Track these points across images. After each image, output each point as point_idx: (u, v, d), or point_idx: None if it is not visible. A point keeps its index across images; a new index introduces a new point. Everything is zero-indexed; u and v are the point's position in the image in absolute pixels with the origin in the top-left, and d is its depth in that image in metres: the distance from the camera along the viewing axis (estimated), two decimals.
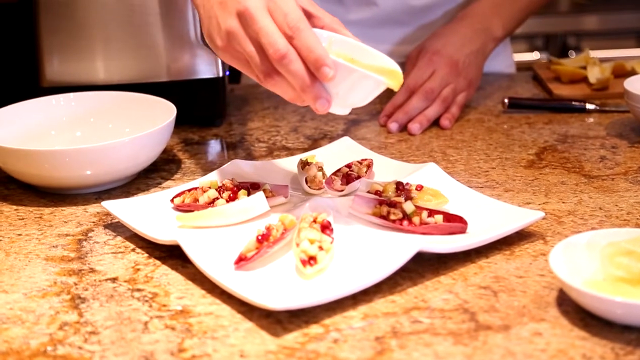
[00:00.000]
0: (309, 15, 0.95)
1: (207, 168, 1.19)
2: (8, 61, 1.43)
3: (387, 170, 1.12)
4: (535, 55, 2.74)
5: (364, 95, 0.95)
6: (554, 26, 2.74)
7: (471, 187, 1.08)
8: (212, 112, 1.37)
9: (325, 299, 0.82)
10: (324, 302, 0.82)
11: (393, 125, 1.32)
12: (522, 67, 1.71)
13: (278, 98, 1.47)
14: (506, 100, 1.39)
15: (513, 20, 1.45)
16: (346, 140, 1.20)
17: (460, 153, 1.23)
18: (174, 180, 1.17)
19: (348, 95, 0.94)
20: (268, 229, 0.92)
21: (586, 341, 0.78)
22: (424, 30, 1.49)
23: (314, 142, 1.29)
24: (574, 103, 1.39)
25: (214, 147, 1.29)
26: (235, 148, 1.28)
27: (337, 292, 0.83)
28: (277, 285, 0.86)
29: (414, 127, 1.31)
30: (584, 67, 1.51)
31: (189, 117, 1.35)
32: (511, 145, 1.25)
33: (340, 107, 0.96)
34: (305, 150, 1.24)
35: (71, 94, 1.25)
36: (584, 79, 1.49)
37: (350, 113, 1.38)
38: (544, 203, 1.06)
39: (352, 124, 1.36)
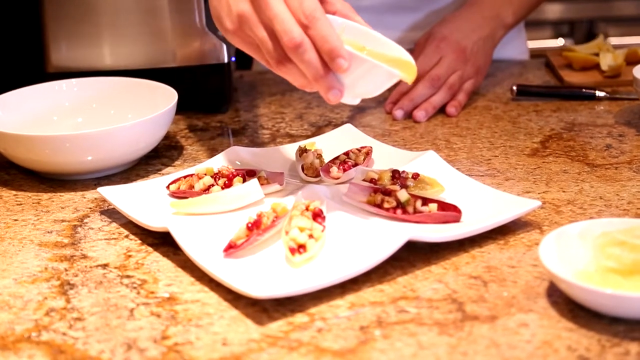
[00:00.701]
0: (320, 1, 0.93)
1: (209, 155, 1.19)
2: (15, 47, 1.43)
3: (386, 158, 1.11)
4: (560, 42, 2.71)
5: (376, 87, 0.93)
6: (581, 12, 2.70)
7: (471, 176, 1.07)
8: (218, 98, 1.36)
9: (310, 287, 0.82)
10: (308, 290, 0.82)
11: (398, 113, 1.30)
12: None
13: (286, 85, 1.47)
14: (514, 88, 1.37)
15: (524, 7, 1.43)
16: (348, 127, 1.19)
17: (464, 141, 1.21)
18: (174, 166, 1.17)
19: (360, 85, 0.92)
20: (259, 216, 0.91)
21: (573, 333, 0.77)
22: (434, 17, 1.47)
23: (318, 129, 1.28)
24: (583, 90, 1.37)
25: (218, 133, 1.28)
26: (238, 135, 1.28)
27: (323, 281, 0.83)
28: (265, 273, 0.86)
29: (419, 114, 1.29)
30: (597, 54, 1.48)
31: (195, 103, 1.35)
32: (516, 133, 1.24)
33: (351, 97, 0.94)
34: (308, 137, 1.24)
35: (73, 80, 1.26)
36: (596, 66, 1.46)
37: None
38: (543, 192, 1.04)
39: (357, 111, 1.35)
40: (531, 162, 1.13)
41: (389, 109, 1.33)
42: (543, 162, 1.13)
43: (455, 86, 1.32)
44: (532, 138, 1.22)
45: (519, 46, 1.61)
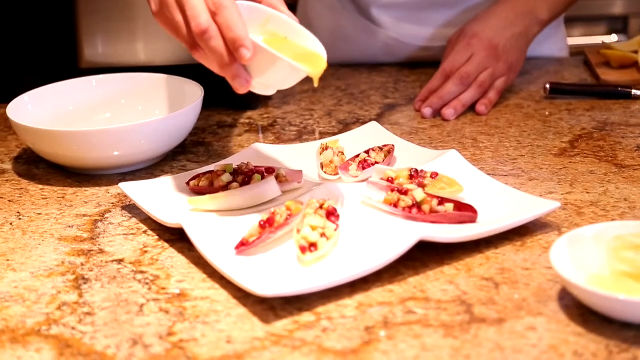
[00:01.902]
0: None
1: (234, 152, 1.19)
2: (48, 42, 1.45)
3: (409, 156, 1.10)
4: (613, 39, 2.66)
5: (284, 79, 0.94)
6: (636, 7, 2.65)
7: (495, 175, 1.06)
8: (248, 94, 1.35)
9: (317, 286, 0.81)
10: (315, 290, 0.82)
11: (427, 111, 1.29)
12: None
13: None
14: (547, 86, 1.35)
15: (560, 3, 1.40)
16: (373, 125, 1.19)
17: (491, 140, 1.20)
18: (199, 162, 1.17)
19: (268, 77, 0.93)
20: (272, 214, 0.91)
21: (581, 337, 0.75)
22: (469, 13, 1.45)
23: (345, 127, 1.27)
24: (619, 89, 1.34)
25: (245, 130, 1.28)
26: (265, 131, 1.28)
27: (330, 280, 0.82)
28: (275, 271, 0.86)
29: (448, 112, 1.28)
30: (637, 52, 1.45)
31: (226, 99, 1.35)
32: (546, 133, 1.22)
33: (263, 87, 0.95)
34: (335, 134, 1.23)
35: (103, 76, 1.27)
36: (635, 64, 1.44)
37: (387, 97, 1.38)
38: (567, 193, 1.02)
39: (387, 108, 1.34)
40: (557, 162, 1.11)
41: (418, 107, 1.32)
42: (570, 162, 1.11)
43: (485, 84, 1.31)
44: (561, 137, 1.20)
45: (557, 43, 1.58)
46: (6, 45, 1.43)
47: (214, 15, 0.89)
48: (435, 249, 0.90)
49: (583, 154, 1.14)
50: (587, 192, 1.02)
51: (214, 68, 0.93)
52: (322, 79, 1.47)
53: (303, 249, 0.86)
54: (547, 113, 1.29)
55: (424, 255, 0.89)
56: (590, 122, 1.25)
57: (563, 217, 0.97)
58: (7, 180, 1.15)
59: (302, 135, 1.25)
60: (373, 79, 1.48)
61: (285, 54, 0.90)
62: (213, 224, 0.95)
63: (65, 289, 0.87)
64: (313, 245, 0.87)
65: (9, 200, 1.08)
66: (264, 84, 0.94)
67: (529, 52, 1.40)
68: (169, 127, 1.13)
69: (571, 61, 1.55)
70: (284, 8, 0.95)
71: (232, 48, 0.89)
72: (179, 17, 0.92)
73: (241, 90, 0.92)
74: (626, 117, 1.26)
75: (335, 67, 1.54)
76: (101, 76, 1.27)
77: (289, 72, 0.92)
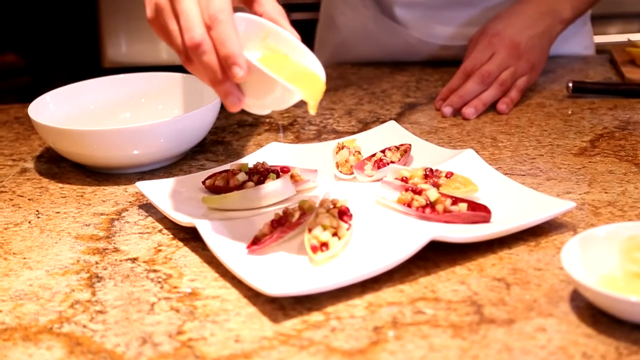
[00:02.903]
0: (251, 0, 0.90)
1: (253, 151, 1.19)
2: (72, 43, 1.46)
3: (427, 155, 1.09)
4: None
5: (279, 101, 0.88)
6: None
7: (512, 175, 1.05)
8: None
9: (327, 286, 0.81)
10: (324, 289, 0.82)
11: (447, 110, 1.29)
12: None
13: (339, 81, 1.48)
14: (570, 84, 1.34)
15: (583, 2, 1.39)
16: (391, 124, 1.18)
17: (510, 139, 1.19)
18: (217, 161, 1.18)
19: (262, 97, 0.87)
20: (284, 213, 0.91)
21: (590, 339, 0.75)
22: (490, 12, 1.44)
23: (365, 126, 1.27)
24: None
25: (265, 129, 1.29)
26: (285, 131, 1.28)
27: (340, 280, 0.82)
28: (286, 271, 0.86)
29: (469, 111, 1.27)
30: None
31: None
32: (566, 132, 1.21)
33: (257, 107, 0.89)
34: (353, 133, 1.23)
35: (122, 75, 1.28)
36: None
37: (408, 96, 1.38)
38: (584, 193, 1.01)
39: (408, 107, 1.34)
40: (577, 162, 1.10)
41: (438, 106, 1.32)
42: (589, 162, 1.10)
43: (506, 83, 1.30)
44: (582, 137, 1.19)
45: (582, 41, 1.57)
46: (30, 46, 1.45)
47: (208, 28, 0.84)
48: (448, 249, 0.89)
49: (603, 153, 1.13)
50: (605, 192, 1.01)
51: (207, 83, 0.88)
52: (345, 77, 1.49)
53: (314, 249, 0.86)
54: (569, 112, 1.28)
55: (436, 255, 0.89)
56: (613, 121, 1.24)
57: (579, 217, 0.96)
58: (29, 178, 1.16)
59: (321, 135, 1.25)
60: (395, 78, 1.48)
61: (283, 73, 0.86)
62: (226, 223, 0.95)
63: (79, 287, 0.88)
64: (324, 245, 0.87)
65: (29, 199, 1.09)
66: (257, 104, 0.89)
67: (553, 49, 1.39)
68: (188, 127, 1.14)
69: (596, 59, 1.54)
70: (286, 23, 0.91)
71: (225, 65, 0.84)
72: (173, 26, 0.87)
73: (232, 109, 0.86)
74: None
75: (357, 66, 1.54)
76: (121, 76, 1.28)
77: (284, 94, 0.86)
